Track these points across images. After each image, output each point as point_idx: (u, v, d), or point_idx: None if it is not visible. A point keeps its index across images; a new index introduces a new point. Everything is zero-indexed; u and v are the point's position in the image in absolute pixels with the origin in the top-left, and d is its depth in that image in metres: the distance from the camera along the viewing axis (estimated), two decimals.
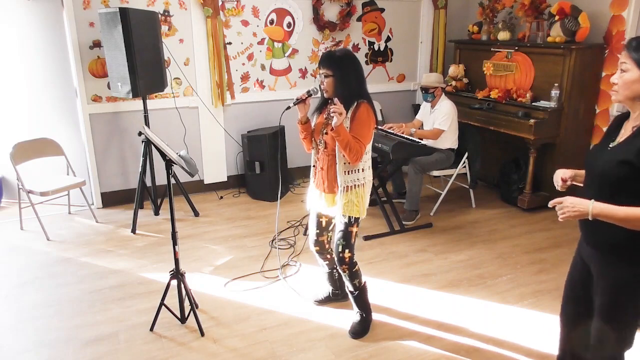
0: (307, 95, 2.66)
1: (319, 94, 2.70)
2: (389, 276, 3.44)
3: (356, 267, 2.79)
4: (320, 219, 2.87)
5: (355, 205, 2.64)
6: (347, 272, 2.75)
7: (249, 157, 4.85)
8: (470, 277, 3.43)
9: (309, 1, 5.06)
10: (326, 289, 3.14)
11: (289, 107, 2.70)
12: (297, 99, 2.66)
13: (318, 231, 2.90)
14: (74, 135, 4.56)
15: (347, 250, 2.70)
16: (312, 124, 2.74)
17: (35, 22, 4.25)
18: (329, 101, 2.62)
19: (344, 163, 2.59)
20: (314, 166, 2.77)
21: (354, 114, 2.55)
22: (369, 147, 2.65)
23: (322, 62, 2.58)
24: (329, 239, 2.95)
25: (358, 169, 2.62)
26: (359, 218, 2.69)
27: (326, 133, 2.62)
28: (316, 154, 2.75)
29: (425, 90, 4.45)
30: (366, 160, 2.65)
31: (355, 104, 2.56)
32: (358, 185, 2.64)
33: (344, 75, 2.54)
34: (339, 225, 2.69)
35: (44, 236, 4.03)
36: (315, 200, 2.82)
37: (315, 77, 5.24)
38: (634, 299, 1.76)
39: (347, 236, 2.68)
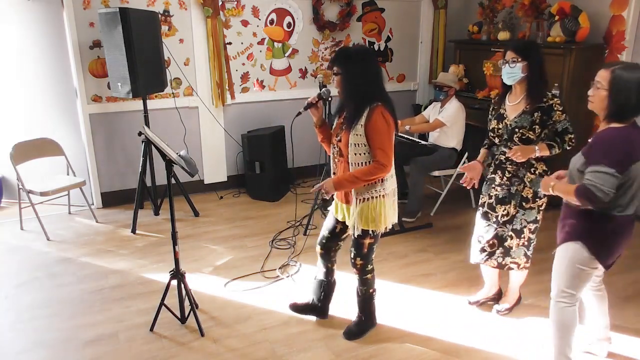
0: (317, 99, 2.57)
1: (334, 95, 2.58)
2: (389, 276, 3.44)
3: (367, 276, 2.68)
4: (336, 226, 2.71)
5: (371, 221, 2.48)
6: (358, 276, 2.71)
7: (249, 157, 4.85)
8: (470, 277, 3.42)
9: (309, 1, 5.06)
10: (308, 297, 2.95)
11: (299, 113, 2.64)
12: (307, 104, 2.57)
13: (329, 236, 2.74)
14: (74, 135, 4.56)
15: (358, 258, 2.62)
16: (333, 126, 2.61)
17: (35, 22, 4.25)
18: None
19: None
20: (334, 173, 2.64)
21: (367, 121, 2.36)
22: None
23: (332, 58, 2.45)
24: (337, 248, 2.79)
25: (375, 180, 2.43)
26: (375, 231, 2.53)
27: (339, 140, 2.49)
28: (334, 159, 2.61)
29: (439, 88, 4.43)
30: None
31: (369, 108, 2.38)
32: (375, 197, 2.46)
33: (351, 74, 2.38)
34: (353, 234, 2.56)
35: (44, 236, 4.03)
36: (334, 206, 2.70)
37: (315, 77, 5.24)
38: None
39: (359, 246, 2.59)
